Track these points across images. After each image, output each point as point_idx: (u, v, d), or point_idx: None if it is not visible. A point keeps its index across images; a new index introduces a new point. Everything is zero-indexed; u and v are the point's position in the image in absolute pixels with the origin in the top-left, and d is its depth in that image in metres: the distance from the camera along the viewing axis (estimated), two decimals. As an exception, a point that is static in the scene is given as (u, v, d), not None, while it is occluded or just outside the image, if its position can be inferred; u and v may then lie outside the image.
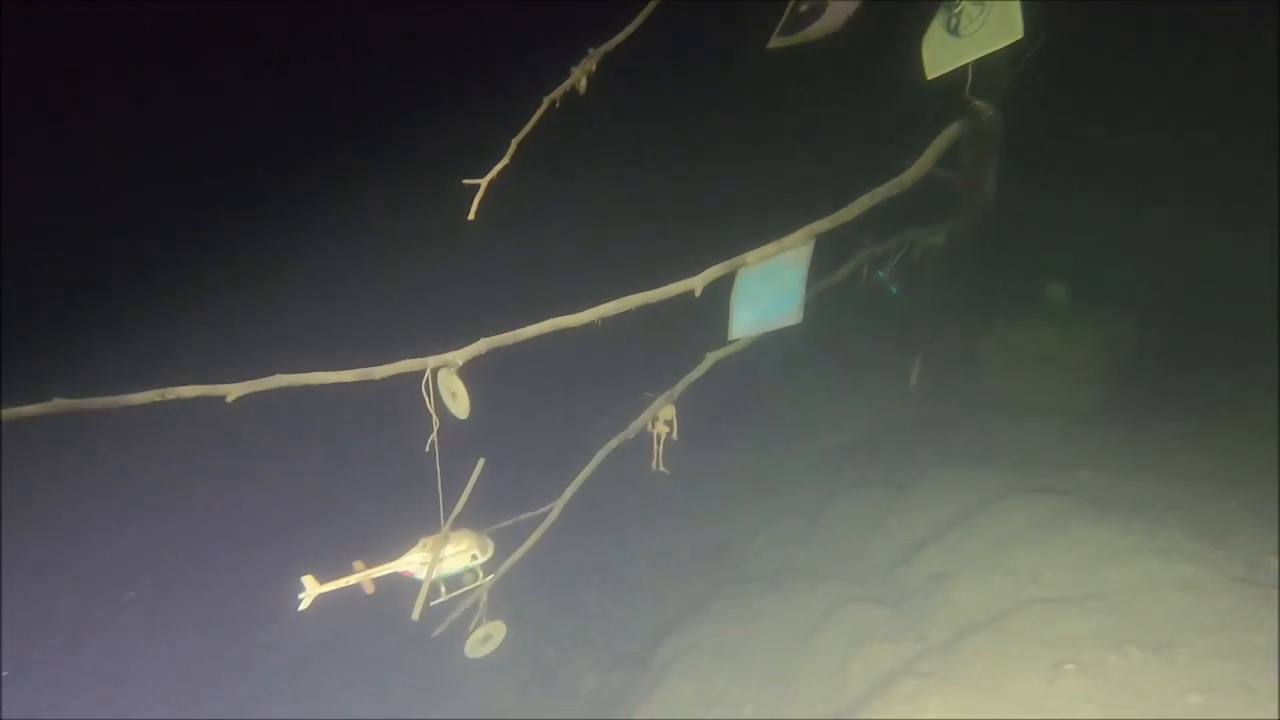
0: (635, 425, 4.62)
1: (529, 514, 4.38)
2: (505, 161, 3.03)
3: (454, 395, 3.41)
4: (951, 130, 4.08)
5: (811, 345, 8.76)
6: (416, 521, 3.77)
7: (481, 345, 3.42)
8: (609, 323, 3.72)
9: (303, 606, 3.19)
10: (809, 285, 3.86)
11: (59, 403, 1.95)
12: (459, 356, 3.38)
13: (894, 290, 5.39)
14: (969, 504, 5.32)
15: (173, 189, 12.45)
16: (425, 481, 3.61)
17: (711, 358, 4.88)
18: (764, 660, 5.10)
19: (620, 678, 6.63)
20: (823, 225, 3.62)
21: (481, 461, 3.71)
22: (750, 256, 3.70)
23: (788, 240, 3.65)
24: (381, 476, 8.21)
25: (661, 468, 4.62)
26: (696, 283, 3.65)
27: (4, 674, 7.32)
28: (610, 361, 8.66)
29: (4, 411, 1.78)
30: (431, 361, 3.34)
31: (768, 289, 3.88)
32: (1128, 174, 7.72)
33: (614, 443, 4.56)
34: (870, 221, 4.28)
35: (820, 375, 8.91)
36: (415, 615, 3.46)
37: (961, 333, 6.31)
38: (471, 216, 2.96)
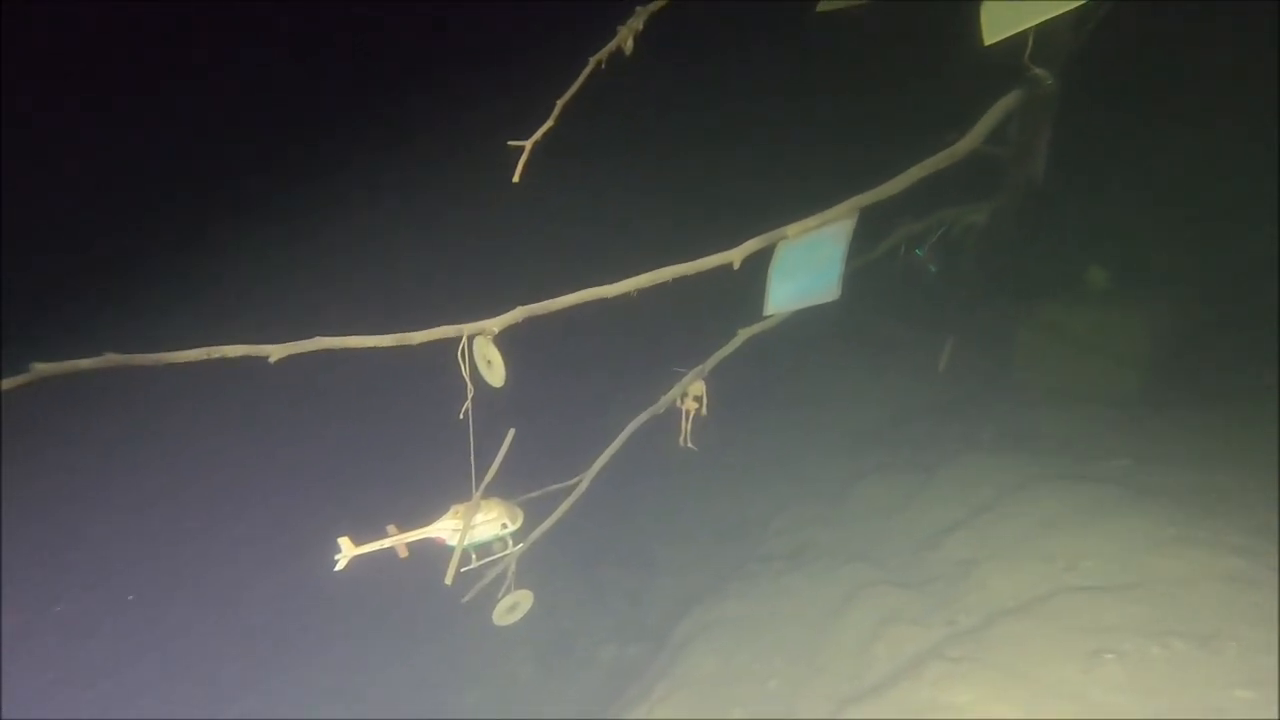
0: (665, 400, 4.58)
1: (557, 485, 4.37)
2: (550, 124, 2.95)
3: (489, 363, 3.38)
4: (1007, 100, 3.91)
5: (837, 325, 8.64)
6: (449, 489, 3.77)
7: (518, 313, 3.38)
8: (644, 295, 3.65)
9: (338, 567, 3.22)
10: (848, 261, 3.76)
11: (110, 357, 1.97)
12: (495, 324, 3.33)
13: (932, 269, 5.24)
14: (1001, 489, 5.22)
15: (206, 157, 12.50)
16: (457, 449, 3.61)
17: (743, 334, 4.80)
18: (788, 638, 5.08)
19: (639, 651, 6.68)
20: (868, 198, 3.50)
21: (512, 432, 3.70)
22: (791, 229, 3.60)
23: (830, 213, 3.54)
24: (414, 443, 8.29)
25: (690, 444, 4.59)
26: (734, 255, 3.57)
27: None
28: (643, 335, 8.58)
29: (61, 365, 1.79)
30: (468, 328, 3.30)
31: (807, 263, 3.78)
32: (1175, 158, 7.44)
33: (643, 416, 4.52)
34: (909, 198, 4.15)
35: (845, 356, 8.78)
36: (448, 580, 3.48)
37: (997, 315, 6.13)
38: (516, 179, 2.89)
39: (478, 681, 6.85)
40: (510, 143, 2.91)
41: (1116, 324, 6.48)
